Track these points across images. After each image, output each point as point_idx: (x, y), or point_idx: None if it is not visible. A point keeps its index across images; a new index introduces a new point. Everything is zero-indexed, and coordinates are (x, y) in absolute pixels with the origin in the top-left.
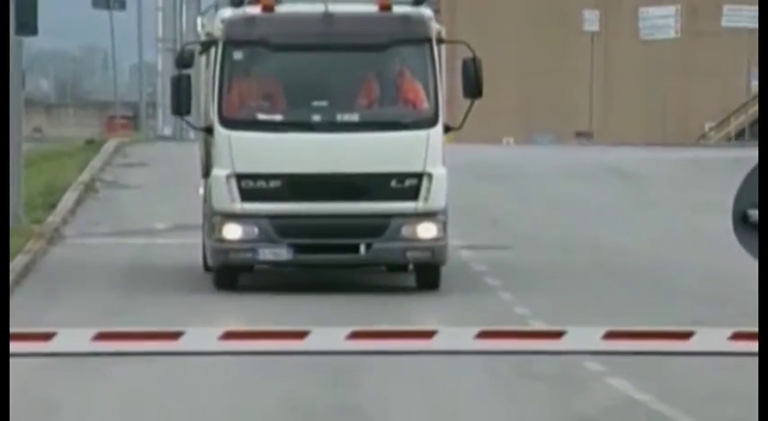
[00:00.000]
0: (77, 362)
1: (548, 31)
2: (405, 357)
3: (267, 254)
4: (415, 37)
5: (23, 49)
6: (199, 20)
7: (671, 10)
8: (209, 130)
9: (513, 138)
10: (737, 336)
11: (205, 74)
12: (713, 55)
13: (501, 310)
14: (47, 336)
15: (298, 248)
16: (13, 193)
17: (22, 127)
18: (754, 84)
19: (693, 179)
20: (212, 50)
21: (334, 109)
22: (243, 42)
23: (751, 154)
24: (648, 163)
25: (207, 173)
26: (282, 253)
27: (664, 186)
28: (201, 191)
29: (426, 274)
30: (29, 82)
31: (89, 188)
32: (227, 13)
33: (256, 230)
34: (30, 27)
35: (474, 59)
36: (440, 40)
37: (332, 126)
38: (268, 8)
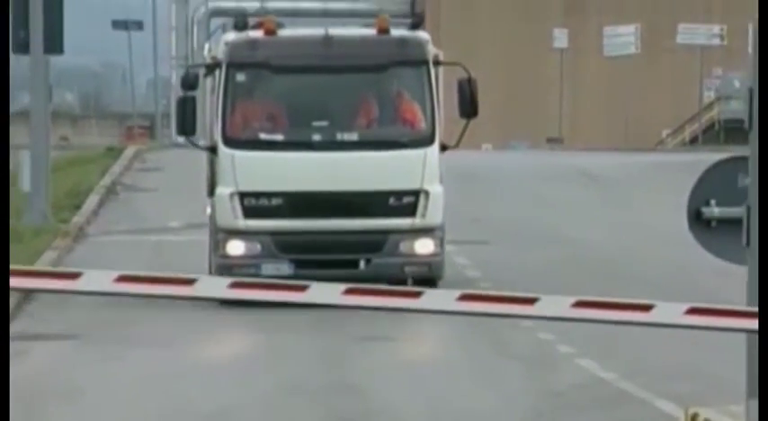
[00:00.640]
0: (97, 349)
1: (522, 48)
2: (388, 343)
3: (269, 269)
4: (412, 59)
5: (51, 66)
6: (206, 45)
7: (632, 29)
8: (213, 150)
9: (491, 144)
10: (692, 311)
11: (210, 95)
12: (670, 69)
13: None
14: (74, 276)
15: (299, 264)
16: (42, 196)
17: (50, 136)
18: (707, 94)
19: (654, 180)
20: (216, 73)
21: (334, 129)
22: (246, 65)
23: (704, 157)
24: (613, 166)
25: (212, 192)
26: (284, 268)
27: (628, 187)
28: (209, 210)
29: None
30: (56, 95)
31: (110, 191)
32: (231, 36)
33: (259, 247)
34: (57, 47)
35: (469, 80)
36: (436, 62)
37: (332, 145)
38: (270, 32)
